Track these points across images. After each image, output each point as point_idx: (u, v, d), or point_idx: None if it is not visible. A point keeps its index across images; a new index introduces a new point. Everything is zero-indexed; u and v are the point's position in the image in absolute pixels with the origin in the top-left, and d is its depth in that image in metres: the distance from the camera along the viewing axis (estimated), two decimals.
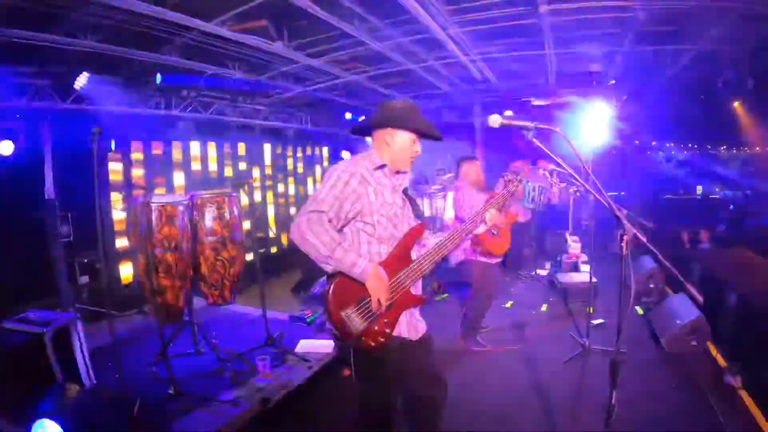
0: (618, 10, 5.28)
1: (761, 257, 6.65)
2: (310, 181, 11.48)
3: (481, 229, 2.88)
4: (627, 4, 5.06)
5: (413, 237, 2.68)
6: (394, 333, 2.58)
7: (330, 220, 2.45)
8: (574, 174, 2.54)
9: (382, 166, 2.64)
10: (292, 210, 10.73)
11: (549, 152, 2.47)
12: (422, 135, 2.70)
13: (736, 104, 8.75)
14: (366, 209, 2.54)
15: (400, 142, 2.64)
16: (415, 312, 2.74)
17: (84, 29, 4.97)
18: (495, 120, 2.40)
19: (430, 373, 2.86)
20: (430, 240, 2.84)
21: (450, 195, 5.28)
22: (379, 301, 2.46)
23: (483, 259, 5.22)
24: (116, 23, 4.84)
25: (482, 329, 5.75)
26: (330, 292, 2.45)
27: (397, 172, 2.72)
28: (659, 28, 5.75)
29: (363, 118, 2.75)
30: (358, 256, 2.44)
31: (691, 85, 8.10)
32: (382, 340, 2.52)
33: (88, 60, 5.51)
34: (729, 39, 5.95)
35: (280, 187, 10.46)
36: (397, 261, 2.60)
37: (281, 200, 10.46)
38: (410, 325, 2.68)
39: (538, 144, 2.41)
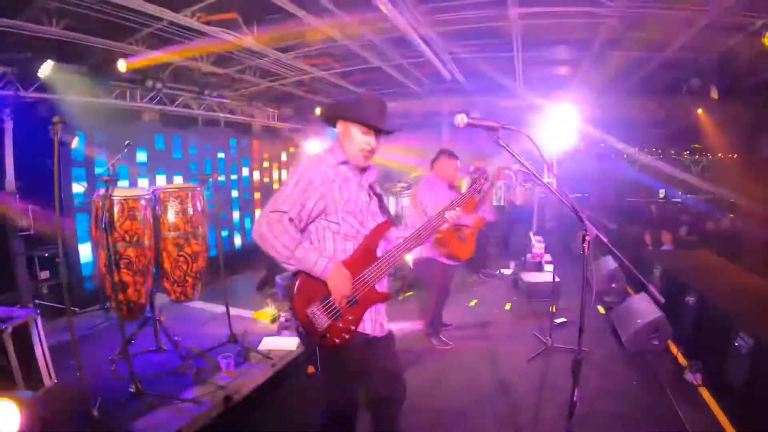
0: (587, 16, 5.35)
1: (721, 259, 6.82)
2: (275, 172, 11.40)
3: (444, 227, 2.86)
4: (596, 11, 5.13)
5: (379, 234, 2.66)
6: (359, 330, 2.58)
7: (291, 220, 2.44)
8: (537, 175, 2.57)
9: (345, 162, 2.61)
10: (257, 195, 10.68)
11: (514, 153, 2.48)
12: (369, 127, 2.59)
13: (699, 111, 8.97)
14: (330, 207, 2.52)
15: (349, 134, 2.61)
16: (381, 309, 2.73)
17: (49, 15, 4.85)
18: (461, 119, 2.39)
19: (390, 372, 2.85)
20: (396, 237, 2.81)
21: (418, 187, 5.23)
22: (341, 298, 2.46)
23: (444, 260, 5.21)
24: (83, 10, 4.73)
25: (445, 327, 5.78)
26: (295, 289, 2.46)
27: (364, 169, 2.70)
28: (628, 35, 5.85)
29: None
30: (319, 255, 2.42)
31: (657, 91, 8.27)
32: (346, 336, 2.52)
33: (52, 48, 5.38)
34: (695, 48, 6.10)
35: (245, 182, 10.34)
36: (362, 258, 2.58)
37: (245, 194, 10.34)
38: (375, 323, 2.67)
39: (504, 145, 2.43)
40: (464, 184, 6.28)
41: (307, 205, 2.47)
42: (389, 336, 2.82)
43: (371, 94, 2.76)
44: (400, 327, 5.47)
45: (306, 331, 2.48)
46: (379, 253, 2.66)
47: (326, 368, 2.62)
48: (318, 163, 2.56)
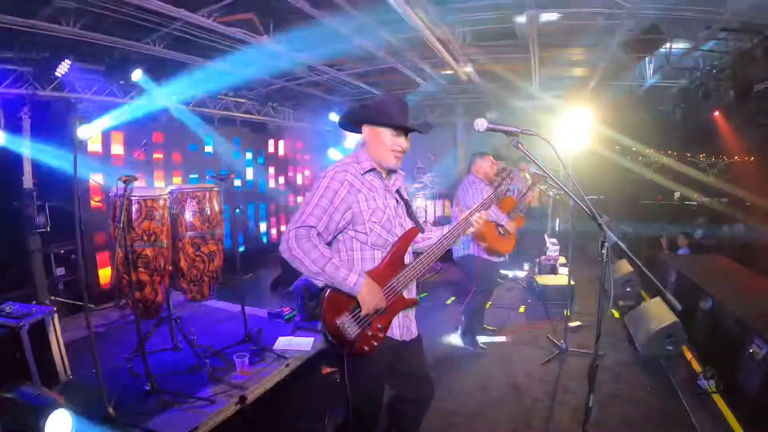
0: (604, 17, 5.32)
1: (736, 264, 6.77)
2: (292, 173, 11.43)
3: (469, 231, 2.83)
4: (613, 11, 5.10)
5: (407, 241, 2.64)
6: (388, 335, 2.58)
7: (320, 233, 2.42)
8: (554, 179, 2.57)
9: (371, 170, 2.58)
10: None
11: (532, 157, 2.49)
12: (395, 128, 2.58)
13: (716, 113, 8.88)
14: (357, 218, 2.50)
15: (379, 138, 2.57)
16: (409, 314, 2.74)
17: (67, 15, 4.89)
18: (482, 124, 2.38)
19: (419, 374, 2.87)
20: (424, 242, 2.82)
21: (460, 187, 5.25)
22: (371, 311, 2.45)
23: (486, 256, 5.22)
24: (100, 10, 4.77)
25: (489, 329, 5.83)
26: (324, 301, 2.44)
27: (390, 172, 2.68)
28: (644, 36, 5.81)
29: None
30: (348, 271, 2.39)
31: (674, 92, 8.20)
32: (375, 344, 2.52)
33: (70, 47, 5.42)
34: (712, 49, 6.05)
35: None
36: (390, 266, 2.57)
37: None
38: (403, 327, 2.67)
39: (523, 149, 2.43)
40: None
41: (334, 217, 2.45)
42: (418, 339, 2.82)
43: (392, 95, 2.73)
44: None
45: (335, 340, 2.46)
46: (407, 260, 2.65)
47: (353, 373, 2.58)
48: (342, 173, 2.50)
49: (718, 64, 6.52)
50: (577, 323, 5.97)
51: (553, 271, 8.00)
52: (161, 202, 4.15)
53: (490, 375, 4.90)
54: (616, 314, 6.48)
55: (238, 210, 8.35)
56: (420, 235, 2.77)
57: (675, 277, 6.62)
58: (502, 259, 5.45)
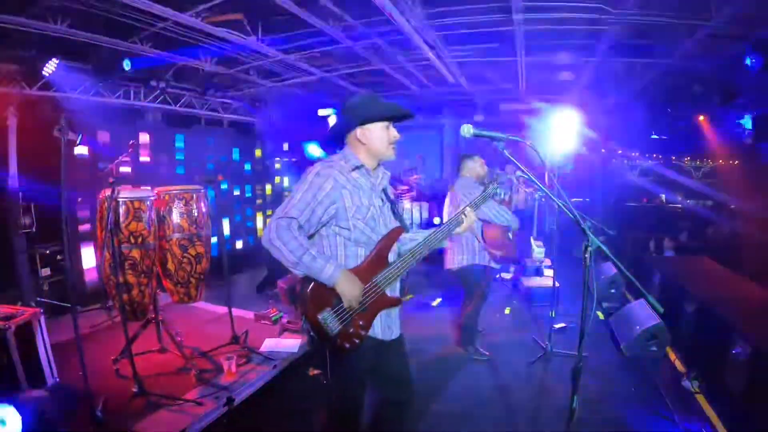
0: (591, 22, 5.37)
1: (720, 266, 6.86)
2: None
3: (458, 230, 2.85)
4: (600, 17, 5.15)
5: (391, 240, 2.67)
6: (369, 334, 2.60)
7: (301, 226, 2.44)
8: (539, 183, 2.60)
9: (358, 167, 2.61)
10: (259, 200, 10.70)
11: (518, 163, 2.52)
12: (392, 119, 2.67)
13: (701, 118, 9.00)
14: (341, 214, 2.52)
15: (376, 135, 2.63)
16: (392, 313, 2.75)
17: (54, 13, 4.86)
18: (467, 130, 2.42)
19: (399, 376, 2.88)
20: (410, 243, 2.82)
21: (451, 191, 5.25)
22: (351, 304, 2.47)
23: (492, 264, 5.21)
24: (87, 8, 4.74)
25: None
26: (307, 295, 2.45)
27: (376, 168, 2.73)
28: (631, 41, 5.87)
29: (331, 122, 2.63)
30: (326, 262, 2.42)
31: (659, 97, 8.29)
32: (357, 341, 2.54)
33: (57, 46, 5.38)
34: (697, 55, 6.12)
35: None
36: (374, 264, 2.60)
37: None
38: (384, 327, 2.69)
39: (509, 155, 2.46)
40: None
41: (317, 211, 2.47)
42: (400, 339, 2.84)
43: (367, 93, 2.79)
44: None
45: (317, 336, 2.48)
46: (390, 258, 2.67)
47: (334, 371, 2.62)
48: (328, 168, 2.53)
49: (703, 69, 6.60)
50: (562, 324, 6.04)
51: (539, 273, 8.06)
52: (148, 203, 4.14)
53: (476, 377, 4.93)
54: (601, 315, 6.53)
55: None
56: (405, 235, 2.78)
57: (659, 279, 6.70)
58: (497, 264, 5.46)
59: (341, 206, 2.51)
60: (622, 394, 4.56)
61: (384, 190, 2.77)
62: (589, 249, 2.36)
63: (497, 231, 5.04)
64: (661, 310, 2.79)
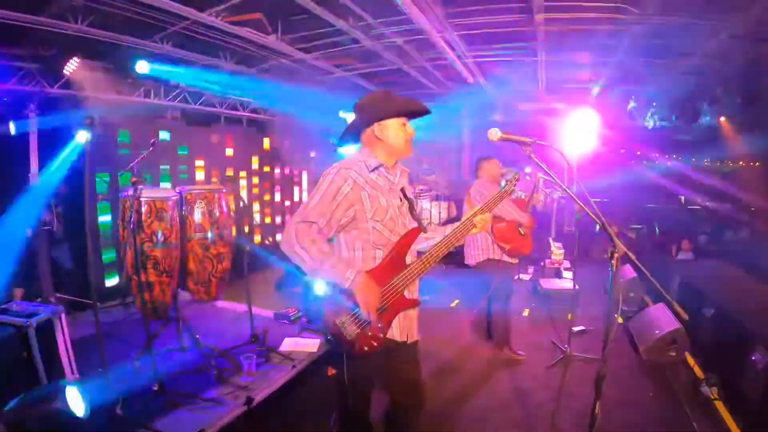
0: (612, 22, 5.33)
1: (739, 270, 6.77)
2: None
3: (473, 231, 2.82)
4: (621, 17, 5.11)
5: (409, 241, 2.63)
6: (387, 337, 2.56)
7: (320, 230, 2.42)
8: (566, 188, 2.58)
9: (377, 167, 2.58)
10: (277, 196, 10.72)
11: (544, 167, 2.50)
12: (409, 114, 2.66)
13: (722, 119, 8.89)
14: (360, 216, 2.50)
15: (392, 131, 2.60)
16: (410, 315, 2.71)
17: (74, 12, 4.90)
18: (495, 134, 2.41)
19: (410, 380, 2.84)
20: (427, 242, 2.81)
21: (468, 193, 5.27)
22: (369, 310, 2.42)
23: (506, 258, 5.21)
24: (108, 8, 4.78)
25: None
26: (327, 303, 2.46)
27: (394, 167, 2.69)
28: (651, 42, 5.82)
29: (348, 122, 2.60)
30: (346, 268, 2.39)
31: (680, 97, 8.21)
32: (375, 344, 2.51)
33: (78, 44, 5.43)
34: (718, 56, 6.05)
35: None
36: (392, 266, 2.56)
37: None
38: (402, 328, 2.65)
39: (535, 159, 2.45)
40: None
41: (336, 214, 2.45)
42: (415, 343, 2.81)
43: (382, 90, 2.79)
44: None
45: (335, 339, 2.48)
46: (408, 259, 2.64)
47: (348, 372, 2.59)
48: (347, 170, 2.50)
49: (724, 71, 6.52)
50: (581, 328, 5.99)
51: (558, 275, 8.02)
52: (170, 203, 4.16)
53: (494, 379, 4.91)
54: (620, 319, 6.48)
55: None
56: (422, 234, 2.75)
57: (678, 282, 6.63)
58: (516, 261, 5.45)
59: (360, 208, 2.49)
60: (639, 399, 4.52)
61: (402, 190, 2.74)
62: (616, 255, 2.34)
63: (505, 225, 5.03)
64: (686, 317, 2.77)
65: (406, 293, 2.62)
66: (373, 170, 2.57)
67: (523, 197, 5.60)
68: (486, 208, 2.86)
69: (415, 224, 2.73)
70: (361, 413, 2.76)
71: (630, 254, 2.47)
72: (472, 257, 5.29)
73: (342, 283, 2.38)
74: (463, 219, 2.84)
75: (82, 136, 3.51)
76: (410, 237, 2.64)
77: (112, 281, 6.43)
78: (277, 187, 10.63)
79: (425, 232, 2.76)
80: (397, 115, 2.61)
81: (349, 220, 2.51)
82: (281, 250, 2.45)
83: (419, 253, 2.72)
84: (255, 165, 9.83)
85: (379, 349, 2.53)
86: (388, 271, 2.55)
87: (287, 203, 10.83)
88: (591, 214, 2.43)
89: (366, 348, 2.50)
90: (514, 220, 5.10)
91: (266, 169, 10.15)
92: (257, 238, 9.74)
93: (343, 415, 2.81)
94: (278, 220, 10.57)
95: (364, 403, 2.75)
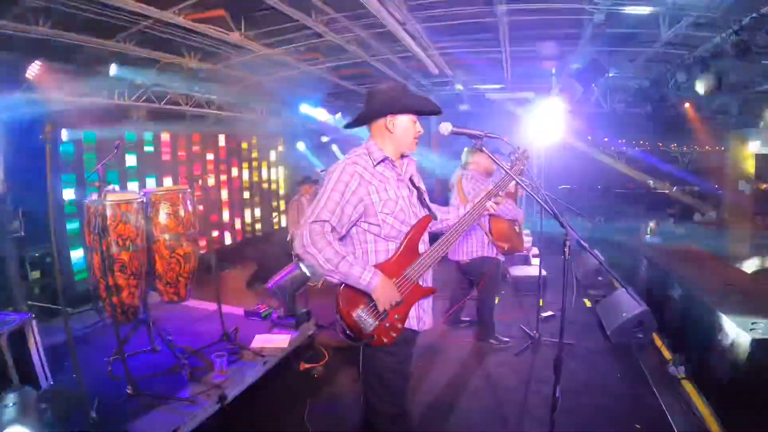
0: (574, 12, 5.39)
1: (706, 251, 6.94)
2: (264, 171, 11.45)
3: (487, 212, 2.84)
4: (583, 7, 5.18)
5: (420, 230, 2.63)
6: (405, 326, 2.58)
7: (333, 228, 2.43)
8: (518, 179, 2.65)
9: (383, 160, 2.57)
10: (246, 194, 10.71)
11: (495, 160, 2.60)
12: (422, 113, 2.67)
13: (686, 105, 9.07)
14: (370, 210, 2.50)
15: (402, 126, 2.59)
16: (424, 303, 2.72)
17: (36, 14, 4.83)
18: (446, 128, 2.47)
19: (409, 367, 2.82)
20: (443, 223, 2.88)
21: (459, 183, 5.25)
22: (385, 307, 2.45)
23: (500, 256, 5.28)
24: (69, 9, 4.72)
25: (465, 321, 5.96)
26: (339, 296, 2.46)
27: (402, 156, 2.70)
28: (614, 30, 5.90)
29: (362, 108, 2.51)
30: (362, 269, 2.40)
31: (645, 85, 8.33)
32: (394, 335, 2.53)
33: (40, 47, 5.35)
34: (681, 44, 6.16)
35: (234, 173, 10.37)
36: (405, 257, 2.56)
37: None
38: (418, 318, 2.67)
39: (487, 152, 2.53)
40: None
41: (346, 210, 2.45)
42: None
43: (397, 82, 2.80)
44: None
45: (354, 334, 2.48)
46: (421, 249, 2.64)
47: (370, 367, 2.62)
48: (353, 165, 2.50)
49: (687, 57, 6.64)
50: (550, 313, 6.12)
51: (526, 262, 8.14)
52: (135, 205, 4.14)
53: (464, 366, 5.00)
54: (588, 303, 6.63)
55: None
56: (433, 222, 2.76)
57: (646, 265, 6.78)
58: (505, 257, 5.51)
59: (369, 203, 2.49)
60: (608, 381, 4.65)
61: (410, 179, 2.74)
62: (568, 243, 2.43)
63: (504, 224, 5.08)
64: (643, 304, 2.85)
65: (420, 282, 2.63)
66: (378, 164, 2.56)
67: (511, 189, 5.60)
68: (497, 189, 2.87)
69: (425, 212, 2.72)
70: (396, 411, 2.68)
71: (582, 243, 2.56)
72: (465, 253, 5.26)
73: (358, 284, 2.40)
74: (473, 207, 2.82)
75: (46, 140, 3.46)
76: (421, 226, 2.64)
77: (82, 286, 6.39)
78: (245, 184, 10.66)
79: (435, 219, 2.78)
80: (412, 110, 2.61)
81: (360, 215, 2.51)
82: (297, 252, 2.43)
83: (432, 241, 2.72)
84: (219, 163, 9.86)
85: (397, 339, 2.55)
86: (402, 263, 2.56)
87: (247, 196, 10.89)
88: (544, 204, 2.51)
89: (385, 339, 2.52)
90: (512, 219, 5.15)
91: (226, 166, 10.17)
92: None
93: (374, 417, 2.71)
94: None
95: (395, 398, 2.68)
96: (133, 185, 7.44)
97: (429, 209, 2.75)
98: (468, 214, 2.76)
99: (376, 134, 2.64)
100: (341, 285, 2.46)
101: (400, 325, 2.55)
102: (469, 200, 4.85)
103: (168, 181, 8.18)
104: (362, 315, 2.46)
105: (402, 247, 2.56)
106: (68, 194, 6.41)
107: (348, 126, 2.80)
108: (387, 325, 2.51)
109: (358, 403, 2.94)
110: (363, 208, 2.49)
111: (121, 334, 4.02)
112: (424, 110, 2.67)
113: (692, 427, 3.91)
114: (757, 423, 3.61)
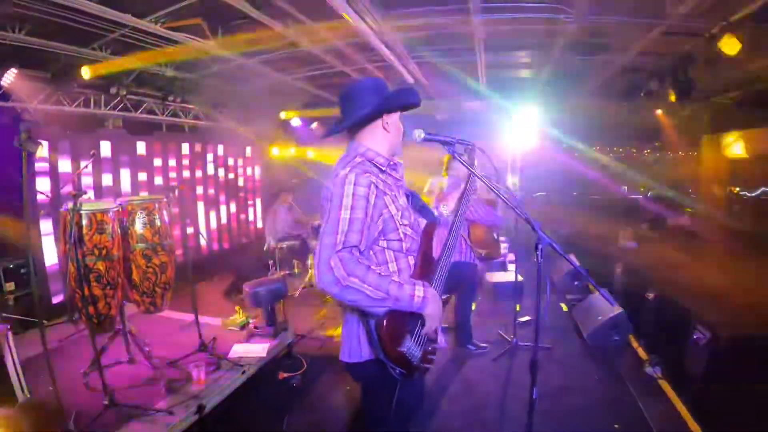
0: (549, 22, 5.48)
1: (680, 255, 7.08)
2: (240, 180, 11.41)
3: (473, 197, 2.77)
4: (556, 17, 5.27)
5: (430, 237, 2.41)
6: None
7: (362, 252, 2.06)
8: (490, 186, 2.66)
9: (389, 165, 2.32)
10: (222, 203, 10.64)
11: (468, 167, 2.54)
12: (414, 106, 2.42)
13: (659, 112, 9.25)
14: (389, 224, 2.21)
15: (396, 125, 2.34)
16: None
17: (11, 21, 4.79)
18: (419, 135, 2.42)
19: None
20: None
21: (436, 187, 5.27)
22: (434, 325, 2.24)
23: (474, 261, 5.24)
24: (45, 16, 4.68)
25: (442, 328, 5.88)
26: (384, 333, 2.08)
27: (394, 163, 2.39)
28: (588, 40, 6.00)
29: (364, 109, 2.26)
30: (412, 285, 2.09)
31: (618, 92, 8.48)
32: (433, 357, 2.35)
33: (15, 54, 5.30)
34: (654, 52, 6.29)
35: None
36: (425, 269, 2.31)
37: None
38: (440, 331, 2.44)
39: (459, 159, 2.51)
40: None
41: (372, 228, 2.13)
42: None
43: (370, 78, 2.60)
44: None
45: (404, 369, 2.15)
46: (435, 256, 2.42)
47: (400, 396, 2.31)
48: (364, 174, 2.12)
49: (659, 65, 6.78)
50: (527, 318, 6.19)
51: (503, 268, 8.19)
52: (111, 214, 4.11)
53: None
54: (565, 307, 6.70)
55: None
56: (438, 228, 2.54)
57: (621, 269, 6.88)
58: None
59: (388, 216, 2.20)
60: (586, 383, 4.70)
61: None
62: (539, 246, 2.46)
63: (483, 231, 5.13)
64: (615, 304, 2.91)
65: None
66: (384, 169, 2.29)
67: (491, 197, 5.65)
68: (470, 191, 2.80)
69: (422, 218, 2.52)
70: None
71: (555, 246, 2.59)
72: None
73: (411, 305, 2.09)
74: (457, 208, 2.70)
75: (20, 148, 3.43)
76: (430, 233, 2.43)
77: (58, 297, 6.30)
78: (221, 194, 10.60)
79: (439, 224, 2.58)
80: (404, 106, 2.40)
81: (379, 233, 2.20)
82: (330, 292, 1.98)
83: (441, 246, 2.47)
84: (197, 172, 9.78)
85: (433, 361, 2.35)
86: (426, 275, 2.30)
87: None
88: (513, 207, 2.52)
89: (428, 366, 2.31)
90: (491, 225, 5.21)
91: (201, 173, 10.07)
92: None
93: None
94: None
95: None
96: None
97: (431, 215, 2.59)
98: (457, 219, 2.61)
99: (368, 137, 2.32)
100: (383, 319, 2.08)
101: (435, 346, 2.36)
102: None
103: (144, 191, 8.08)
104: (410, 347, 2.15)
105: (420, 258, 2.33)
106: (43, 203, 6.32)
107: (332, 133, 2.45)
108: (429, 348, 2.29)
109: (336, 411, 2.94)
110: (382, 224, 2.19)
111: (98, 345, 3.97)
112: (416, 103, 2.40)
113: (670, 426, 3.98)
114: (734, 420, 3.72)
